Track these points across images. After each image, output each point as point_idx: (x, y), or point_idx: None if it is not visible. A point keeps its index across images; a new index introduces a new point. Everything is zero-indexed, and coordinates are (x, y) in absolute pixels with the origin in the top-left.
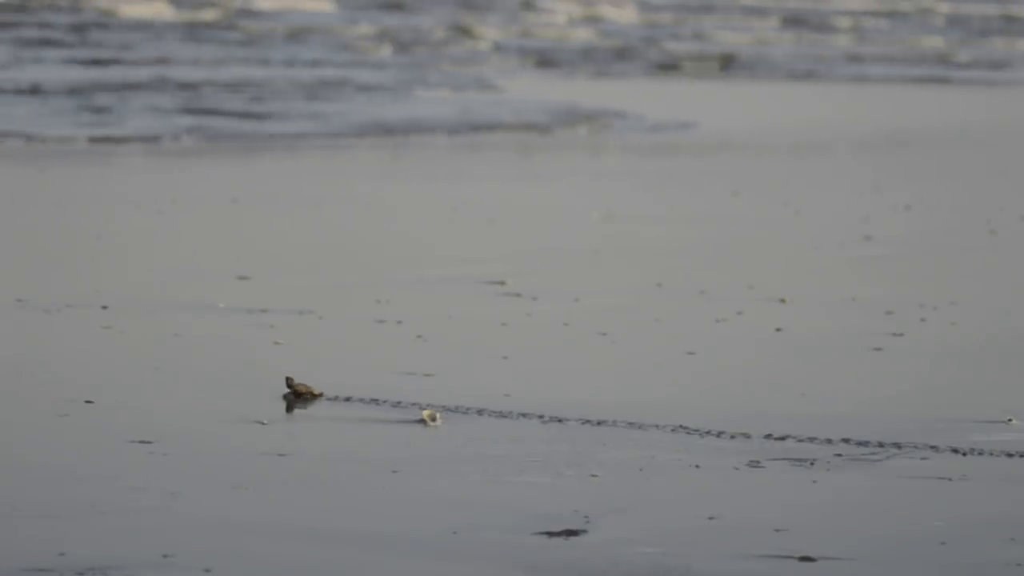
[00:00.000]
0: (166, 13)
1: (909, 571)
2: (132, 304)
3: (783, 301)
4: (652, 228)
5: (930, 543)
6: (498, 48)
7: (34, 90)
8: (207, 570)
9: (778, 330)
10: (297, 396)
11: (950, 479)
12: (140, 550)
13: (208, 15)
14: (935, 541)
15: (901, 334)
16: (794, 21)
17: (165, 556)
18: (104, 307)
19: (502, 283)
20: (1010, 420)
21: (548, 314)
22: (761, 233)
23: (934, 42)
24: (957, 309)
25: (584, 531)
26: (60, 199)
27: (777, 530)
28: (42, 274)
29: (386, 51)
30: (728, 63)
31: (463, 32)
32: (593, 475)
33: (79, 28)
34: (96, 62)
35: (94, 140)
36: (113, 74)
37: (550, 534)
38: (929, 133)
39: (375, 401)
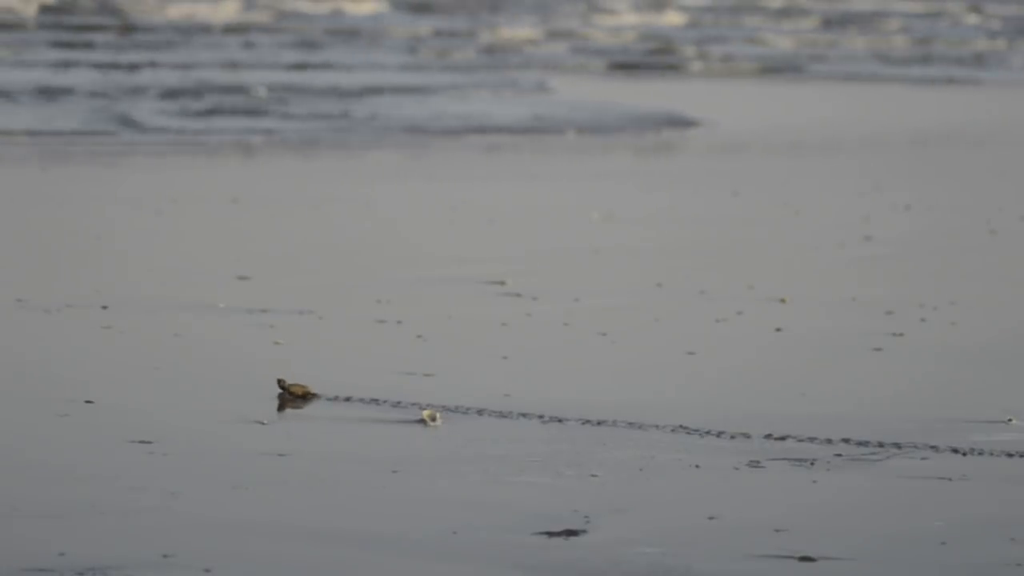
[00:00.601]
0: (203, 14)
1: (909, 571)
2: (132, 304)
3: (783, 301)
4: (652, 228)
5: (930, 543)
6: (545, 50)
7: (47, 91)
8: (207, 570)
9: (778, 330)
10: (297, 397)
11: (950, 479)
12: (140, 550)
13: (258, 17)
14: (935, 541)
15: (901, 334)
16: (830, 22)
17: (165, 556)
18: (104, 307)
19: (502, 283)
20: (1010, 420)
21: (548, 314)
22: (761, 233)
23: (966, 43)
24: (957, 309)
25: (584, 531)
26: (60, 199)
27: (777, 530)
28: (42, 274)
29: (431, 54)
30: (766, 65)
31: (509, 34)
32: (593, 475)
33: (114, 30)
34: (120, 65)
35: (102, 140)
36: (135, 76)
37: (550, 534)
38: (931, 133)
39: (375, 401)
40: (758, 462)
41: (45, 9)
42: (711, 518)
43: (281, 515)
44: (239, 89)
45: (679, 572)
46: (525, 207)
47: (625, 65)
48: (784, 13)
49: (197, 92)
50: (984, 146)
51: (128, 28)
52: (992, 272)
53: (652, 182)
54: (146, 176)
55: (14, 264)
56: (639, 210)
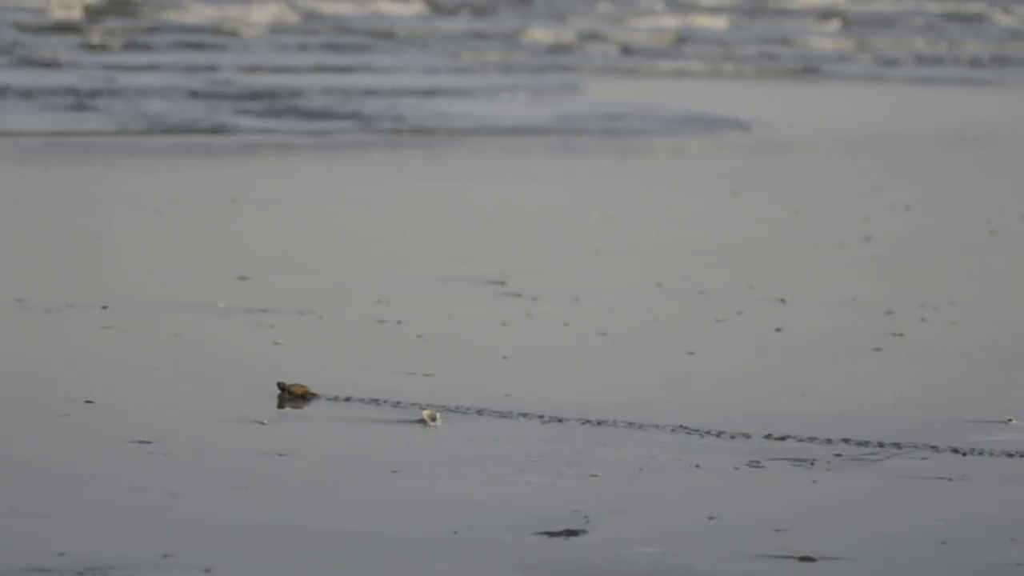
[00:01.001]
0: (243, 16)
1: (909, 571)
2: (132, 304)
3: (783, 301)
4: (652, 228)
5: (930, 543)
6: (577, 52)
7: (74, 93)
8: (207, 570)
9: (778, 330)
10: (297, 397)
11: (950, 479)
12: (140, 550)
13: (291, 18)
14: (935, 541)
15: (901, 334)
16: (858, 23)
17: (165, 556)
18: (104, 307)
19: (502, 283)
20: (1010, 420)
21: (548, 314)
22: (761, 233)
23: (995, 45)
24: (957, 309)
25: (584, 531)
26: (60, 199)
27: (777, 530)
28: (42, 274)
29: (464, 56)
30: (793, 67)
31: (542, 36)
32: (593, 475)
33: (142, 32)
34: (139, 66)
35: (110, 141)
36: (153, 78)
37: (550, 534)
38: (932, 133)
39: (375, 401)
40: (758, 462)
41: (88, 11)
42: (711, 518)
43: (281, 515)
44: (255, 91)
45: (679, 572)
46: (525, 207)
47: (649, 66)
48: (813, 14)
49: (213, 93)
50: (987, 146)
51: (150, 29)
52: (992, 272)
53: (654, 182)
54: (146, 176)
55: (14, 264)
56: (639, 210)
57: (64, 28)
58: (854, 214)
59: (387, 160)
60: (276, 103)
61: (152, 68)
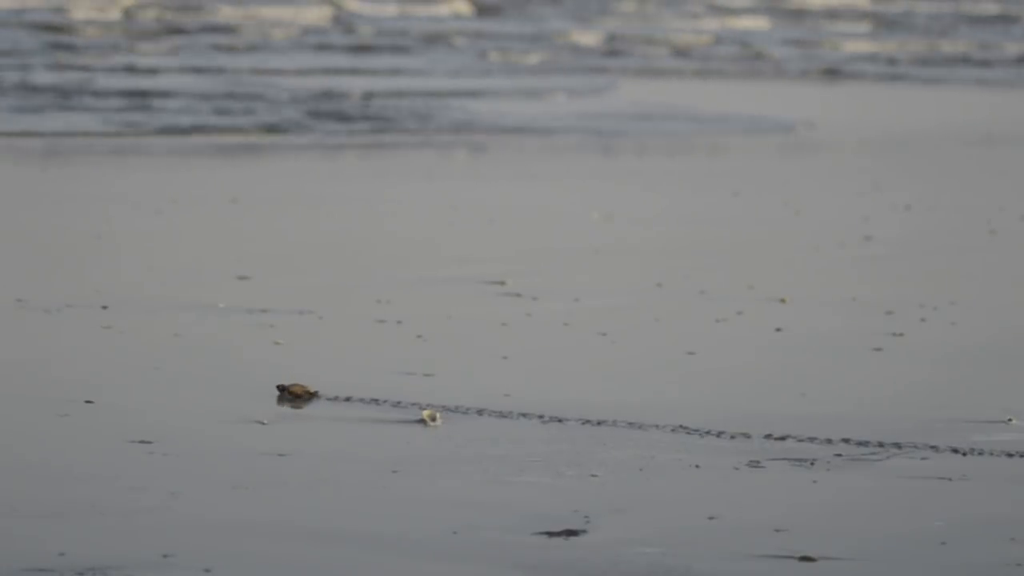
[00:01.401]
0: (276, 17)
1: (909, 571)
2: (132, 304)
3: (783, 301)
4: (652, 228)
5: (930, 543)
6: (605, 52)
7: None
8: (207, 570)
9: (778, 330)
10: (297, 397)
11: (950, 479)
12: (140, 550)
13: (323, 20)
14: (935, 541)
15: (901, 334)
16: (884, 24)
17: (165, 556)
18: (104, 307)
19: (502, 283)
20: (1010, 420)
21: (548, 314)
22: (761, 233)
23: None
24: (957, 309)
25: (584, 531)
26: (60, 199)
27: (777, 530)
28: (42, 274)
29: (498, 56)
30: (823, 68)
31: (577, 37)
32: (593, 475)
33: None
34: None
35: (112, 141)
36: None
37: (550, 534)
38: (948, 133)
39: (375, 401)
40: (758, 462)
41: (126, 13)
42: (711, 518)
43: (281, 515)
44: (269, 93)
45: (679, 572)
46: (525, 207)
47: (679, 67)
48: (838, 15)
49: (222, 95)
50: (994, 146)
51: (173, 29)
52: (992, 272)
53: (656, 181)
54: (146, 176)
55: (14, 264)
56: (639, 210)
57: (71, 29)
58: (854, 214)
59: (388, 160)
60: (291, 105)
61: (167, 70)
